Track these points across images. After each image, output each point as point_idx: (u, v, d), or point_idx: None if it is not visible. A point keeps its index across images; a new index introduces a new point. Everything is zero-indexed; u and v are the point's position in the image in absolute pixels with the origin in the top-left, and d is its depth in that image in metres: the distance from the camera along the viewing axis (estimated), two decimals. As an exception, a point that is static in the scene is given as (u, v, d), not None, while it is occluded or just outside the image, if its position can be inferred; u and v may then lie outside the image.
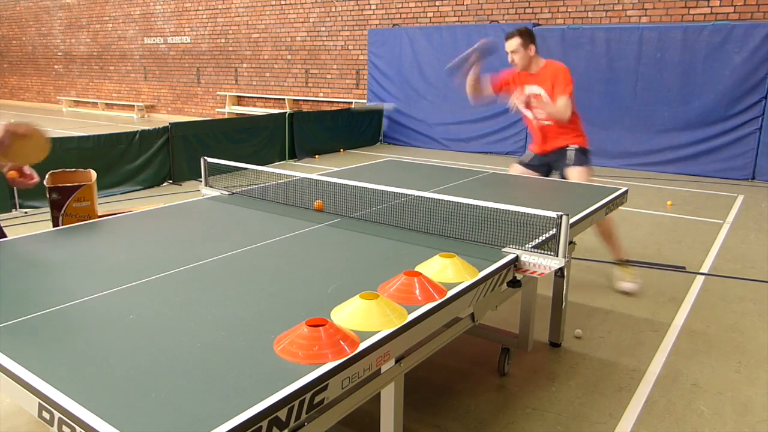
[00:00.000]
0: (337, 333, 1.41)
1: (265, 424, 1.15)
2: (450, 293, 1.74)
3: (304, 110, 11.21)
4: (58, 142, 6.24)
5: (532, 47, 3.94)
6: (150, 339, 1.44)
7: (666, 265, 4.41)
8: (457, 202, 2.57)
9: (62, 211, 2.93)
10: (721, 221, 5.74)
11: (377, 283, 1.80)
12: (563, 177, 3.99)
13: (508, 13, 9.92)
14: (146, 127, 7.13)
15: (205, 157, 3.07)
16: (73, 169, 3.21)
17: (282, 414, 1.19)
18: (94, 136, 6.62)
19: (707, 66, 7.93)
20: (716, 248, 4.87)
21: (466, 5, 10.33)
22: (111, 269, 1.92)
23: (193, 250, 2.13)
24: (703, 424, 2.44)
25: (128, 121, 15.04)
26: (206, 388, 1.23)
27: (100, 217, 2.74)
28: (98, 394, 1.21)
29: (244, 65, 13.83)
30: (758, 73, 7.65)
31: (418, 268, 1.90)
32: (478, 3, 10.19)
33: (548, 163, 4.12)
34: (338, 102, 12.22)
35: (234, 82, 14.14)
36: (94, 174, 3.17)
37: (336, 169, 3.94)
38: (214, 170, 3.13)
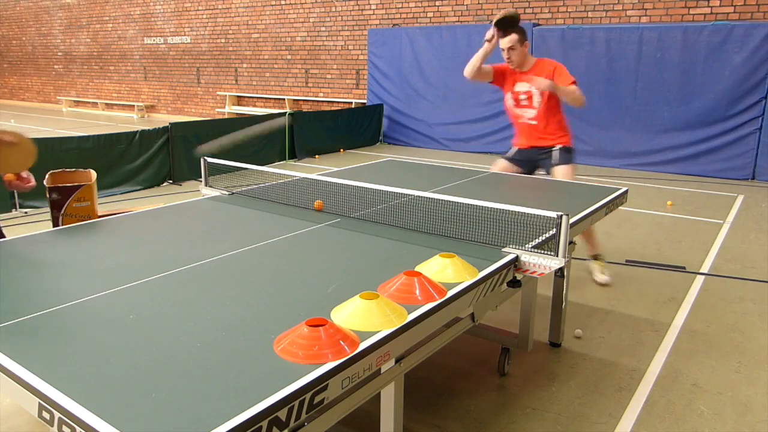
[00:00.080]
0: (337, 333, 1.41)
1: (265, 424, 1.15)
2: (450, 293, 1.74)
3: (304, 110, 11.21)
4: (58, 142, 6.24)
5: (527, 44, 3.97)
6: (150, 339, 1.44)
7: (666, 265, 4.41)
8: (457, 202, 2.57)
9: (62, 211, 2.93)
10: (721, 221, 5.74)
11: (377, 283, 1.80)
12: (548, 175, 4.02)
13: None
14: (146, 127, 7.13)
15: (205, 157, 3.07)
16: (73, 169, 3.21)
17: (282, 414, 1.19)
18: (94, 136, 6.62)
19: (707, 66, 7.93)
20: (716, 248, 4.87)
21: (466, 5, 10.33)
22: (111, 269, 1.92)
23: (193, 250, 2.13)
24: (703, 424, 2.44)
25: (128, 121, 15.04)
26: (206, 388, 1.23)
27: (100, 217, 2.74)
28: (98, 394, 1.21)
29: (244, 65, 13.83)
30: (758, 73, 7.65)
31: (418, 268, 1.90)
32: (478, 3, 10.19)
33: (533, 160, 4.14)
34: (338, 102, 12.22)
35: (234, 82, 14.14)
36: (94, 174, 3.17)
37: (336, 169, 3.94)
38: (214, 170, 3.14)
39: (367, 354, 1.41)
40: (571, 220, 2.42)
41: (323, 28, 12.26)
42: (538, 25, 9.39)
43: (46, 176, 3.12)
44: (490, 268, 1.96)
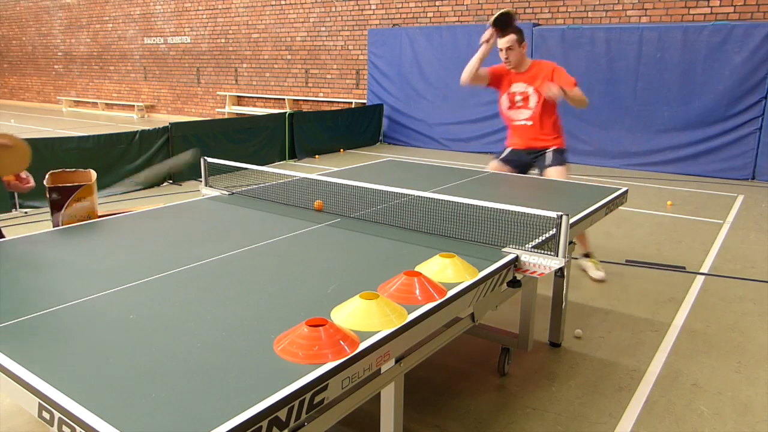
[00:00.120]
0: (337, 333, 1.41)
1: (265, 424, 1.15)
2: (450, 293, 1.74)
3: (304, 110, 11.21)
4: (58, 142, 6.24)
5: (525, 44, 3.98)
6: (150, 339, 1.44)
7: (666, 265, 4.41)
8: (457, 202, 2.57)
9: (62, 211, 2.92)
10: (721, 221, 5.74)
11: (377, 283, 1.80)
12: (542, 175, 4.04)
13: (508, 13, 9.91)
14: (146, 127, 7.13)
15: (205, 157, 3.07)
16: (73, 169, 3.21)
17: (282, 414, 1.19)
18: (94, 136, 6.62)
19: (707, 66, 7.93)
20: (716, 248, 4.87)
21: (466, 5, 10.33)
22: (111, 269, 1.92)
23: (193, 250, 2.13)
24: (703, 424, 2.44)
25: (128, 121, 15.04)
26: (206, 388, 1.23)
27: (100, 217, 2.74)
28: (98, 394, 1.21)
29: (244, 65, 13.83)
30: (758, 73, 7.65)
31: (418, 268, 1.90)
32: (478, 3, 10.19)
33: (527, 161, 4.16)
34: (338, 102, 12.22)
35: (234, 82, 14.14)
36: (94, 174, 3.17)
37: (336, 169, 3.94)
38: (214, 170, 3.13)
39: (367, 354, 1.41)
40: (571, 220, 2.42)
41: (323, 28, 12.26)
42: (538, 25, 9.39)
43: (46, 176, 3.11)
44: (490, 268, 1.96)
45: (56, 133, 11.92)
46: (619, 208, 3.73)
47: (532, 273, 2.09)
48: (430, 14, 10.79)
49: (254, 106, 13.91)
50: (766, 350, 3.10)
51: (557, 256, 2.05)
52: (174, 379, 1.27)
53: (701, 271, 4.33)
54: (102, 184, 6.35)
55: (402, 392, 1.85)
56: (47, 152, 6.09)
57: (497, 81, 4.10)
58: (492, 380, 2.76)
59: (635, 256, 4.63)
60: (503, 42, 3.95)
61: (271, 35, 13.20)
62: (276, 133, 8.85)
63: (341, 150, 10.11)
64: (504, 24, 3.88)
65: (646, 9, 8.73)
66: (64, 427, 1.16)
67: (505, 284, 2.08)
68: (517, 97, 4.06)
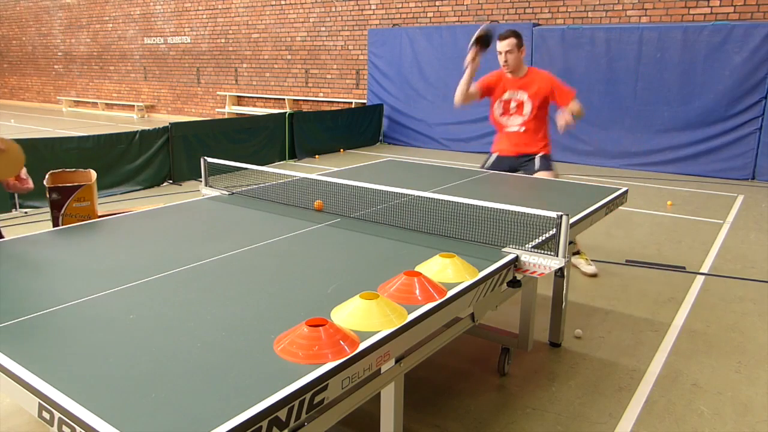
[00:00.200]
0: (337, 333, 1.41)
1: (265, 424, 1.15)
2: (450, 293, 1.74)
3: (304, 110, 11.21)
4: (58, 142, 6.24)
5: (524, 50, 4.02)
6: (150, 339, 1.44)
7: (666, 265, 4.41)
8: (457, 202, 2.57)
9: (62, 211, 2.93)
10: (721, 221, 5.74)
11: (377, 283, 1.80)
12: None
13: (508, 13, 9.92)
14: (146, 127, 7.13)
15: (205, 157, 3.07)
16: (73, 169, 3.21)
17: (282, 414, 1.19)
18: (94, 136, 6.62)
19: (707, 66, 7.93)
20: (716, 248, 4.87)
21: (466, 5, 10.32)
22: (111, 269, 1.92)
23: (193, 250, 2.13)
24: (703, 424, 2.44)
25: (128, 121, 15.04)
26: (206, 388, 1.23)
27: (100, 217, 2.74)
28: (98, 394, 1.21)
29: (244, 65, 13.83)
30: (758, 73, 7.65)
31: (418, 268, 1.90)
32: (478, 3, 10.19)
33: (514, 167, 4.20)
34: (338, 102, 12.22)
35: (234, 82, 14.14)
36: (94, 174, 3.17)
37: (336, 169, 3.94)
38: (214, 170, 3.14)
39: (367, 354, 1.41)
40: (571, 220, 2.42)
41: (323, 28, 12.26)
42: (538, 25, 9.38)
43: (46, 176, 3.12)
44: (490, 268, 1.96)
45: (56, 133, 11.92)
46: (619, 208, 3.73)
47: (532, 273, 2.09)
48: (430, 14, 10.79)
49: (254, 106, 13.91)
50: (766, 350, 3.10)
51: (557, 256, 2.05)
52: (174, 379, 1.27)
53: (701, 271, 4.33)
54: (102, 185, 6.36)
55: (402, 392, 1.85)
56: (47, 152, 6.09)
57: (490, 91, 4.16)
58: (492, 380, 2.76)
59: (635, 256, 4.63)
60: (503, 45, 3.98)
61: (271, 35, 13.20)
62: (276, 133, 8.85)
63: (341, 150, 10.11)
64: (487, 43, 3.89)
65: (646, 9, 8.73)
66: (64, 427, 1.16)
67: (505, 284, 2.08)
68: (512, 104, 4.10)
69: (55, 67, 18.24)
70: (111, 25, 16.38)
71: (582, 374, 2.83)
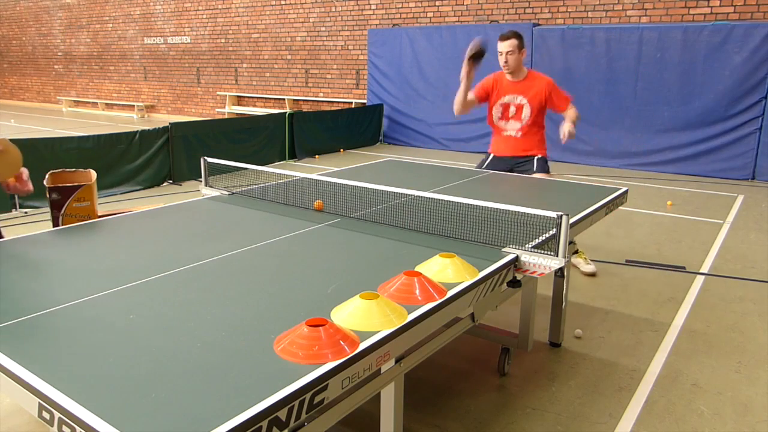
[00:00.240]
0: (337, 333, 1.41)
1: (265, 424, 1.15)
2: (450, 293, 1.74)
3: (304, 110, 11.20)
4: (58, 142, 6.24)
5: (524, 51, 4.04)
6: (150, 339, 1.44)
7: (666, 265, 4.41)
8: (457, 202, 2.57)
9: (62, 211, 2.93)
10: (721, 221, 5.74)
11: (377, 283, 1.80)
12: None
13: (508, 13, 9.92)
14: (146, 127, 7.13)
15: (205, 157, 3.07)
16: (73, 169, 3.21)
17: (282, 414, 1.19)
18: (94, 136, 6.62)
19: (707, 66, 7.93)
20: (716, 248, 4.87)
21: (466, 5, 10.32)
22: (111, 269, 1.92)
23: (193, 250, 2.13)
24: (703, 424, 2.44)
25: (128, 121, 15.04)
26: (206, 388, 1.23)
27: (100, 217, 2.74)
28: (98, 394, 1.21)
29: (244, 65, 13.83)
30: (758, 73, 7.65)
31: (418, 268, 1.90)
32: (478, 3, 10.19)
33: (510, 169, 4.22)
34: (338, 102, 12.22)
35: (234, 82, 14.14)
36: (94, 174, 3.17)
37: (336, 169, 3.94)
38: (214, 170, 3.13)
39: (367, 354, 1.41)
40: (571, 220, 2.42)
41: (323, 28, 12.26)
42: (538, 25, 9.38)
43: (46, 176, 3.11)
44: (490, 268, 1.96)
45: (56, 133, 11.92)
46: (619, 208, 3.73)
47: (532, 273, 2.09)
48: (430, 14, 10.79)
49: (254, 106, 13.91)
50: (766, 350, 3.10)
51: (557, 256, 2.05)
52: (174, 379, 1.27)
53: (701, 271, 4.33)
54: (102, 185, 6.36)
55: (402, 392, 1.85)
56: (47, 152, 6.09)
57: (487, 96, 4.18)
58: (492, 380, 2.76)
59: (635, 256, 4.63)
60: (504, 45, 4.00)
61: (271, 35, 13.20)
62: (276, 133, 8.85)
63: (341, 150, 10.11)
64: (480, 57, 3.90)
65: (646, 9, 8.73)
66: (64, 427, 1.16)
67: (505, 284, 2.08)
68: (511, 108, 4.13)
69: (55, 67, 18.24)
70: (111, 25, 16.38)
71: (582, 374, 2.83)
